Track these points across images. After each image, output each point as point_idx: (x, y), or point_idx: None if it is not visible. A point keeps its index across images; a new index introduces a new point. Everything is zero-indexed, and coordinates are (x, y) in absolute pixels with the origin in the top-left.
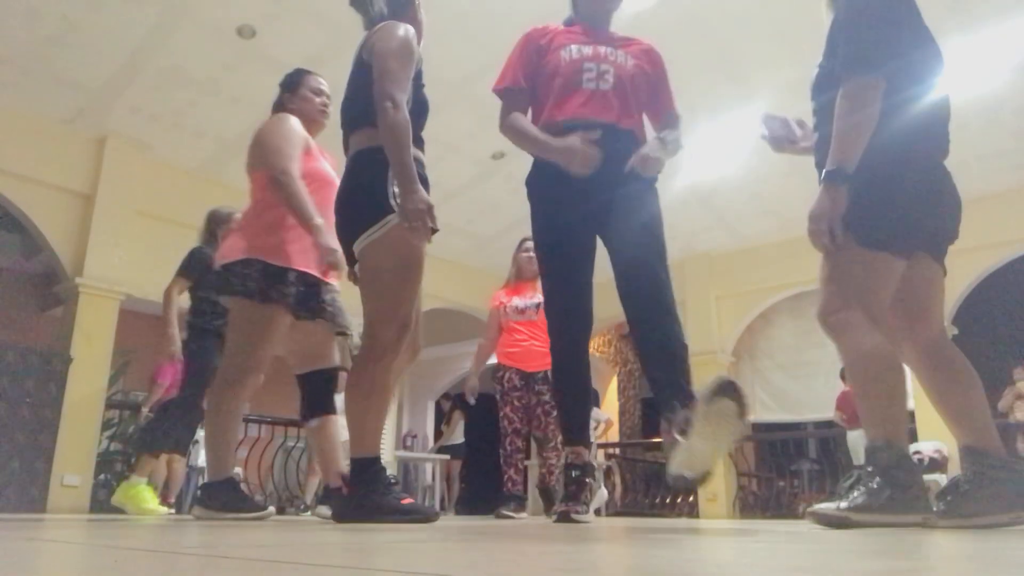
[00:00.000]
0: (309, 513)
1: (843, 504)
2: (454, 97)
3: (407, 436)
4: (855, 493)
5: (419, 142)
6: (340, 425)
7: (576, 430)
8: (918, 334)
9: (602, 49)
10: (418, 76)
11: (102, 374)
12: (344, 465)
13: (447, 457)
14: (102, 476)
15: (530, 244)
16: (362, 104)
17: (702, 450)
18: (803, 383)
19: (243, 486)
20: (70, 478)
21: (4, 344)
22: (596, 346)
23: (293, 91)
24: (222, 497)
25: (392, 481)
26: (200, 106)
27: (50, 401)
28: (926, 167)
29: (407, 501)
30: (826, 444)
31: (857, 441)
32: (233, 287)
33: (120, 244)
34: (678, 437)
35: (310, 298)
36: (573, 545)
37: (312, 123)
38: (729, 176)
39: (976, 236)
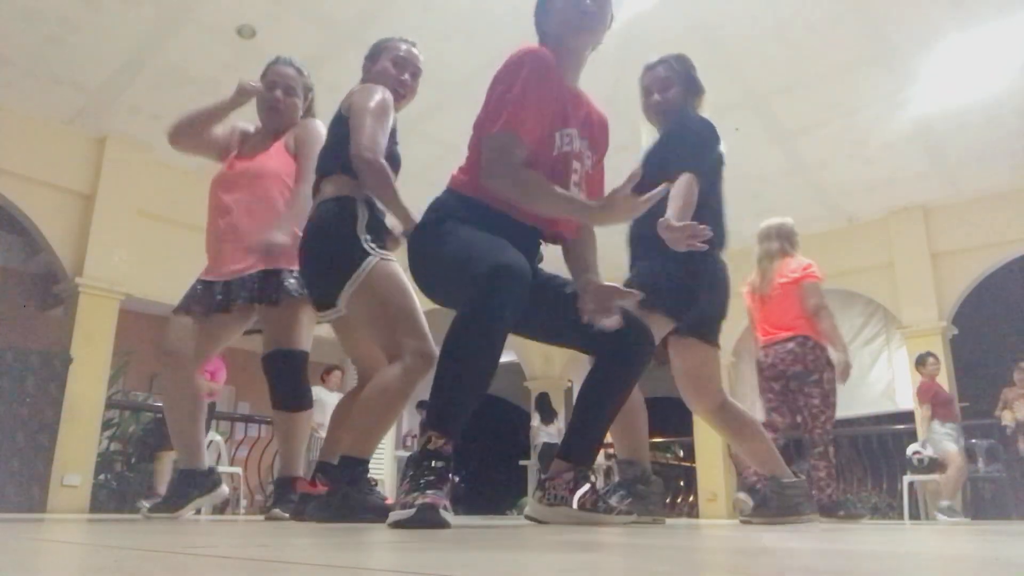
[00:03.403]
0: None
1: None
2: (454, 97)
3: (407, 436)
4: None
5: None
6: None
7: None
8: (703, 408)
9: (586, 143)
10: (393, 133)
11: (102, 374)
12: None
13: None
14: (102, 476)
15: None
16: (335, 153)
17: (567, 517)
18: None
19: (243, 486)
20: (70, 478)
21: (4, 344)
22: None
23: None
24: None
25: (374, 483)
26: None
27: (50, 401)
28: (711, 258)
29: (390, 501)
30: None
31: (939, 432)
32: None
33: (120, 244)
34: (575, 505)
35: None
36: (573, 545)
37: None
38: (729, 177)
39: (976, 236)
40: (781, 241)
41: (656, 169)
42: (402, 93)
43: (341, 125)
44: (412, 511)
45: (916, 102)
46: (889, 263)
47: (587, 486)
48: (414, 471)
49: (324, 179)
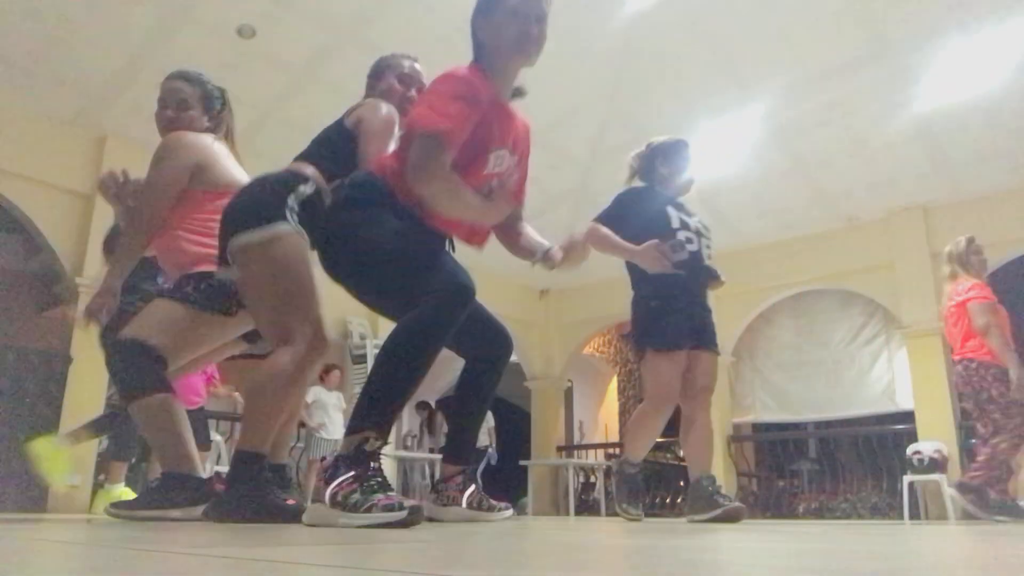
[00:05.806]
0: None
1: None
2: None
3: (407, 436)
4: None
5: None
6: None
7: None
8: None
9: (515, 159)
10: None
11: (102, 374)
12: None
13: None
14: (102, 476)
15: (980, 245)
16: (319, 149)
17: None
18: (803, 383)
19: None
20: (70, 478)
21: (4, 344)
22: (596, 346)
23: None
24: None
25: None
26: None
27: (50, 401)
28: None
29: (291, 502)
30: (826, 444)
31: None
32: None
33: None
34: (464, 504)
35: None
36: (573, 544)
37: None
38: (729, 176)
39: (976, 236)
40: (952, 264)
41: None
42: (408, 109)
43: (339, 131)
44: (404, 512)
45: (916, 102)
46: (889, 263)
47: (472, 487)
48: (357, 472)
49: (294, 161)
